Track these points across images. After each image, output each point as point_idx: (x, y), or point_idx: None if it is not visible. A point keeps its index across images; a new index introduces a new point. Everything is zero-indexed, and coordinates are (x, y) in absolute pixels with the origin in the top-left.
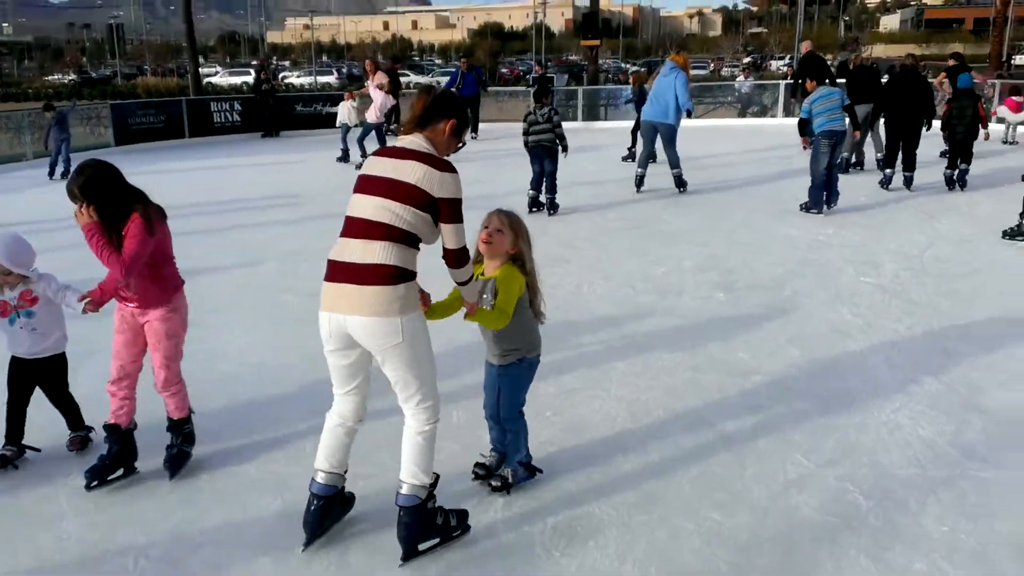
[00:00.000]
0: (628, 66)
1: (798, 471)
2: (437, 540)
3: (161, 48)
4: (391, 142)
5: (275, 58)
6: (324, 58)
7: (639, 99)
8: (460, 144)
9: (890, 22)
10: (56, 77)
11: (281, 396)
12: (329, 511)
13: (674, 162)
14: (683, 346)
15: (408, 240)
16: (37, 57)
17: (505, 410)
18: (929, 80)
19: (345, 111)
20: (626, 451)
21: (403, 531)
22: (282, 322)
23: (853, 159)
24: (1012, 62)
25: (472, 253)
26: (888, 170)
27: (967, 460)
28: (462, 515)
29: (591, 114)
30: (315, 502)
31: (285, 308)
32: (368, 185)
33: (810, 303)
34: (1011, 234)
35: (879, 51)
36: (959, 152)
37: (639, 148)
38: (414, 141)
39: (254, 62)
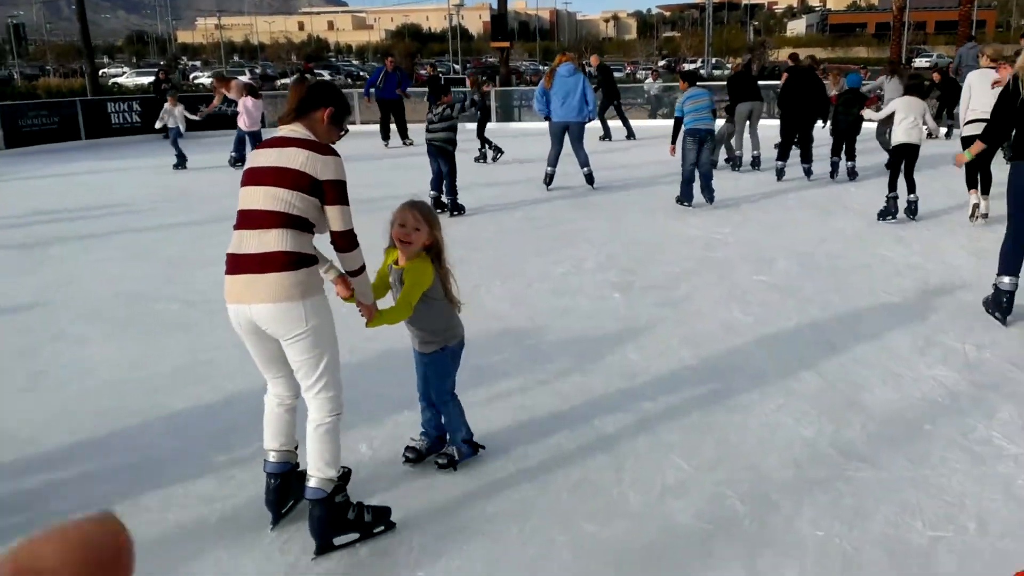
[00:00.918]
0: (544, 68)
1: (676, 476)
2: (356, 536)
3: (64, 48)
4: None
5: (185, 58)
6: (236, 58)
7: (479, 102)
8: (342, 132)
9: (797, 27)
10: None
11: (141, 412)
12: (289, 487)
13: (583, 160)
14: (575, 348)
15: (301, 225)
16: None
17: (435, 396)
18: (823, 80)
19: (177, 115)
20: (507, 458)
21: (314, 524)
22: (154, 332)
23: (726, 156)
24: (912, 65)
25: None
26: (779, 162)
27: (845, 460)
28: (381, 512)
29: (505, 115)
30: (272, 481)
31: (160, 316)
32: (255, 176)
33: (704, 302)
34: (882, 214)
35: (785, 55)
36: (841, 142)
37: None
38: (293, 130)
39: (162, 62)
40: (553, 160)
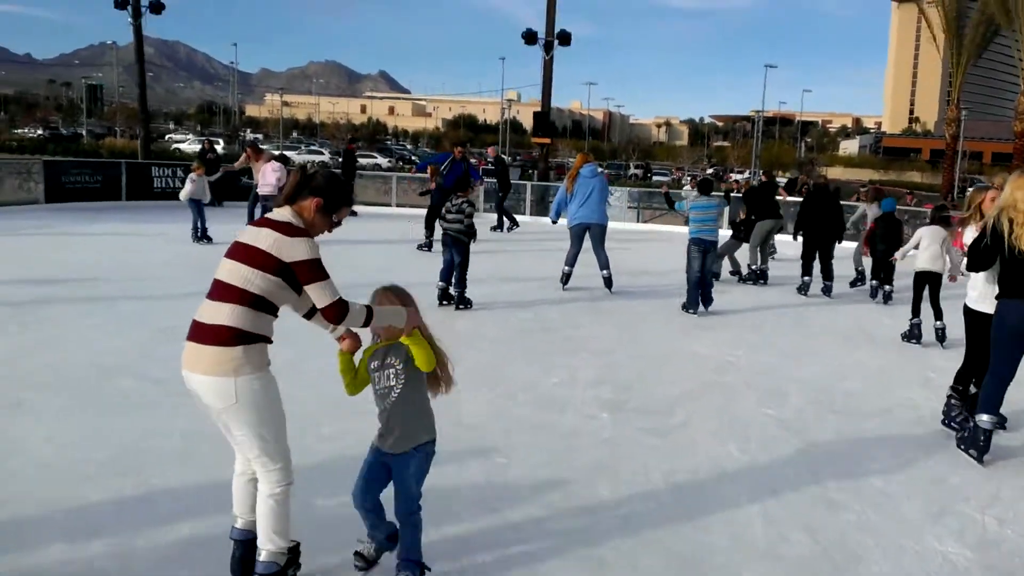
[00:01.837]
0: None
1: None
2: None
3: (132, 111)
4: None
5: (248, 130)
6: (295, 134)
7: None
8: (335, 222)
9: (850, 146)
10: (24, 131)
11: (47, 503)
12: (253, 554)
13: (603, 262)
14: (543, 473)
15: (257, 304)
16: (11, 110)
17: (403, 505)
18: (840, 201)
19: (202, 186)
20: None
21: None
22: (109, 411)
23: (731, 269)
24: (965, 195)
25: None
26: (806, 277)
27: None
28: None
29: (539, 209)
30: (237, 549)
31: (123, 393)
32: (231, 250)
33: (698, 433)
34: (905, 337)
35: (838, 173)
36: (881, 267)
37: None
38: (281, 213)
39: (226, 133)
40: (571, 260)
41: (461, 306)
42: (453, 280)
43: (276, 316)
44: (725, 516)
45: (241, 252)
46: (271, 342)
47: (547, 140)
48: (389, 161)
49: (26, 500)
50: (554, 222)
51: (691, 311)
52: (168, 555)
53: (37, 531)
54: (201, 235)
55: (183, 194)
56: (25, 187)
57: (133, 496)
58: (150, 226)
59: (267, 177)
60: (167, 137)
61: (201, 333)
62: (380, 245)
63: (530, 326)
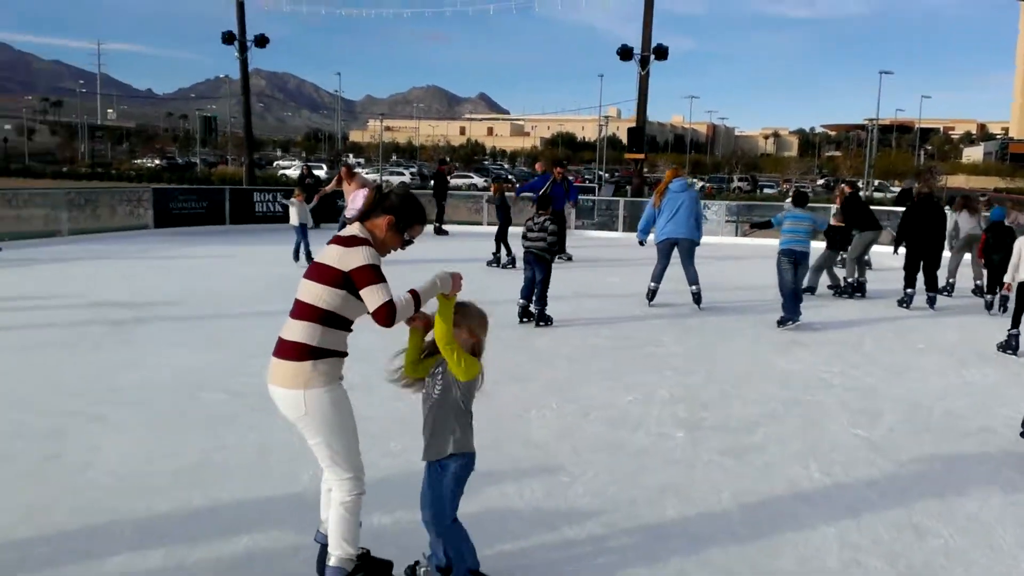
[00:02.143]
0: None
1: None
2: None
3: (242, 140)
4: None
5: (350, 155)
6: (395, 157)
7: (500, 205)
8: (407, 240)
9: (974, 153)
10: (142, 161)
11: (115, 512)
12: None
13: (692, 278)
14: (606, 495)
15: (328, 320)
16: (132, 142)
17: (431, 516)
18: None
19: (303, 211)
20: None
21: None
22: (182, 425)
23: (829, 283)
24: None
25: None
26: (909, 289)
27: None
28: None
29: (632, 225)
30: (321, 551)
31: (196, 409)
32: (309, 270)
33: (778, 454)
34: (1002, 347)
35: (961, 181)
36: (995, 278)
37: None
38: (350, 230)
39: (329, 158)
40: (657, 276)
41: (541, 323)
42: (534, 298)
43: (350, 330)
44: (796, 539)
45: (314, 271)
46: (345, 355)
47: (640, 155)
48: (485, 181)
49: (98, 509)
50: (641, 243)
51: (791, 322)
52: (227, 565)
53: (105, 539)
54: (307, 257)
55: (293, 218)
56: (136, 213)
57: (201, 507)
58: (250, 248)
59: (356, 202)
60: (274, 164)
61: (281, 349)
62: (466, 264)
63: (610, 343)
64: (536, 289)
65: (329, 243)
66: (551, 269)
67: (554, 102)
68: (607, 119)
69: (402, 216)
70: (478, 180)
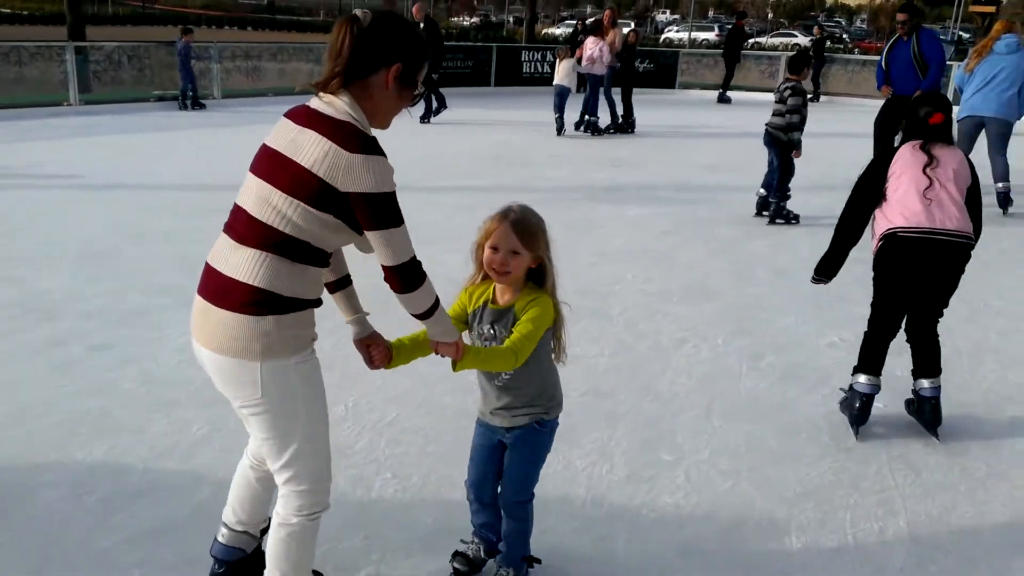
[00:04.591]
0: None
1: None
2: None
3: None
4: None
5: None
6: (711, 13)
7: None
8: (414, 97)
9: None
10: (459, 19)
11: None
12: None
13: (1000, 173)
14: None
15: (292, 251)
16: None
17: (513, 490)
18: None
19: (565, 72)
20: None
21: None
22: None
23: None
24: None
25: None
26: None
27: None
28: None
29: None
30: (215, 569)
31: None
32: (259, 161)
33: None
34: None
35: None
36: None
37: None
38: (333, 102)
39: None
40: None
41: (777, 220)
42: (773, 188)
43: (327, 266)
44: None
45: (269, 164)
46: (318, 305)
47: (991, 8)
48: (810, 39)
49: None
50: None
51: None
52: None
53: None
54: (559, 128)
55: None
56: None
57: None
58: (503, 112)
59: (592, 53)
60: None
61: (214, 287)
62: (741, 138)
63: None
64: (774, 177)
65: (299, 119)
66: (790, 156)
67: None
68: None
69: (410, 56)
70: (802, 39)
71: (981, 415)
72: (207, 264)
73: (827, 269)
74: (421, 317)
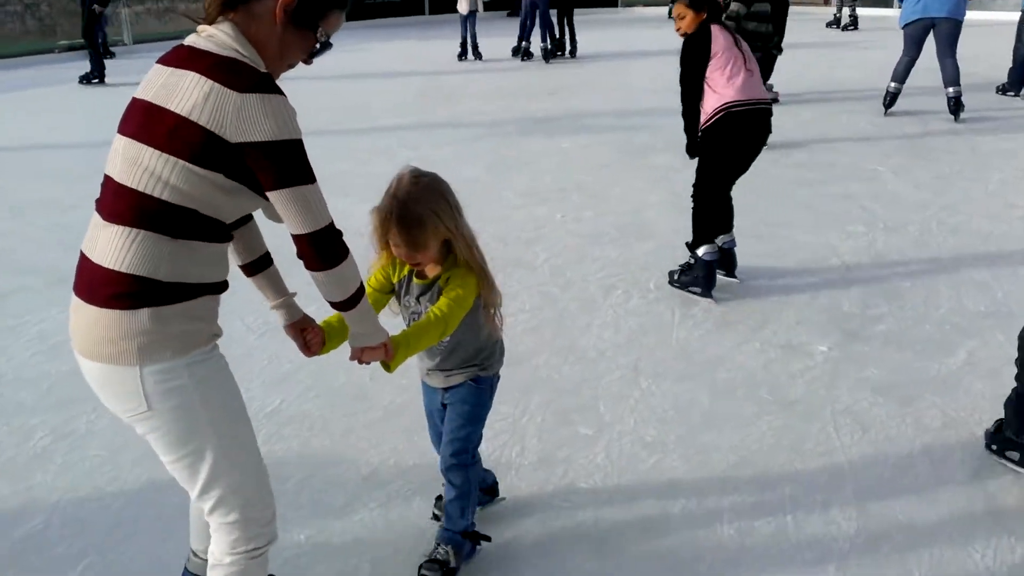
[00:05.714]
0: None
1: None
2: None
3: None
4: None
5: None
6: None
7: None
8: (317, 45)
9: None
10: None
11: None
12: None
13: (950, 77)
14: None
15: (172, 224)
16: None
17: (450, 451)
18: None
19: None
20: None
21: None
22: None
23: None
24: None
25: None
26: None
27: None
28: None
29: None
30: None
31: None
32: (127, 117)
33: None
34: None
35: None
36: None
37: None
38: (214, 35)
39: None
40: (901, 75)
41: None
42: None
43: (228, 240)
44: None
45: (140, 117)
46: (221, 291)
47: None
48: None
49: None
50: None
51: (1011, 93)
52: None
53: None
54: (474, 53)
55: (461, 5)
56: None
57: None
58: (425, 43)
59: None
60: None
61: (87, 279)
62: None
63: (790, 173)
64: None
65: (175, 62)
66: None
67: None
68: None
69: None
70: None
71: (934, 352)
72: (81, 252)
73: (695, 146)
74: (342, 308)
